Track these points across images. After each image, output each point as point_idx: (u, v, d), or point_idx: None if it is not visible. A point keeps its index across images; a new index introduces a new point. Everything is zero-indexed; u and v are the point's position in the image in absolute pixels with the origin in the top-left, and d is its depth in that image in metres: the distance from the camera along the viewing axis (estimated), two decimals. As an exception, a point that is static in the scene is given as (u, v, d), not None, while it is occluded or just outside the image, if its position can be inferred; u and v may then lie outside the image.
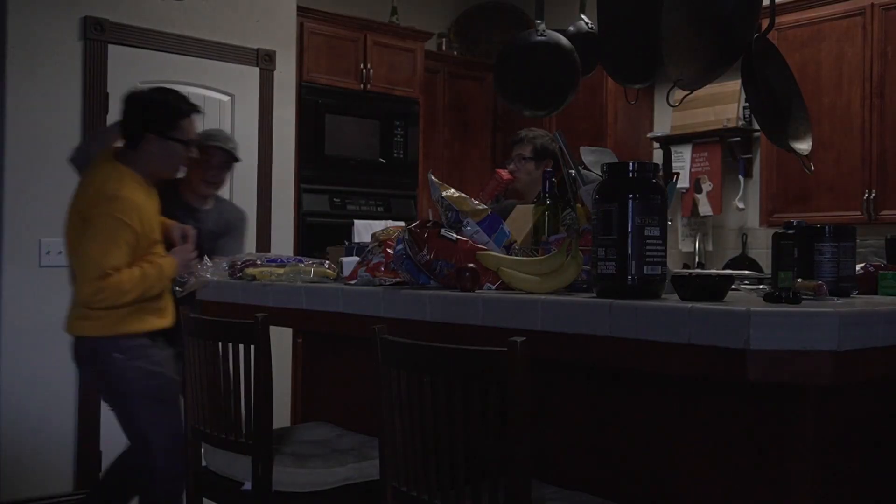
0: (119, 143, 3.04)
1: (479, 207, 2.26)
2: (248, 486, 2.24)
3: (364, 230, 4.40)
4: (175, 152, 3.01)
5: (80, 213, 2.93)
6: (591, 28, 3.37)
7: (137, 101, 3.02)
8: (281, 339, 4.68)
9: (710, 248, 5.47)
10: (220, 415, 2.30)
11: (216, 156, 3.43)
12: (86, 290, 2.86)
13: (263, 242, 4.85)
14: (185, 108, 3.03)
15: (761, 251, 5.15)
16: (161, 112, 2.99)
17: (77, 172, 3.19)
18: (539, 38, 3.21)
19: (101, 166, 2.98)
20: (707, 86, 2.90)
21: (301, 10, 5.17)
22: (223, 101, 4.72)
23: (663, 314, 1.53)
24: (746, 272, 3.07)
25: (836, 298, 1.83)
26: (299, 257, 2.76)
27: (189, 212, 3.43)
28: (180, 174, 3.28)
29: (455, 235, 2.10)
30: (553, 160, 3.65)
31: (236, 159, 3.51)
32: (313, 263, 2.61)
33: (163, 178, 3.12)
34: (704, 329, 1.46)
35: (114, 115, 4.30)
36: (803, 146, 2.76)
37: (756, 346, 1.40)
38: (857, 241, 2.10)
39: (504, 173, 3.68)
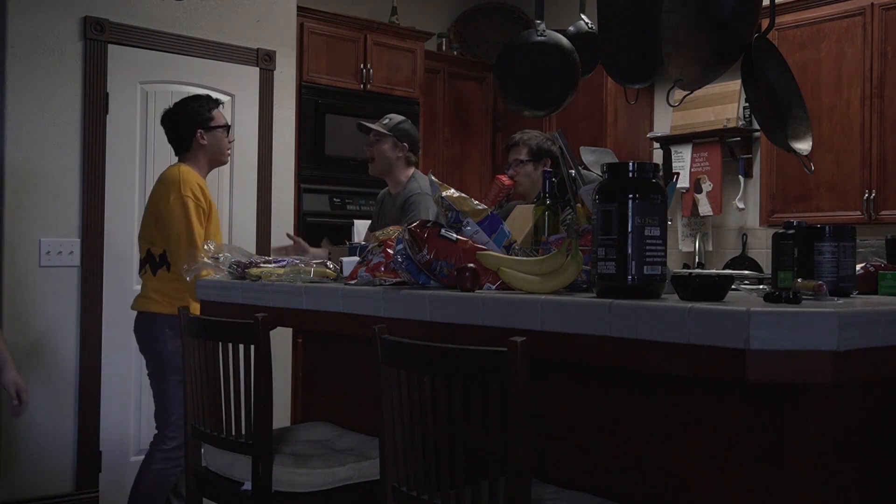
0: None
1: (479, 207, 2.26)
2: (247, 486, 2.24)
3: (364, 230, 4.40)
4: (220, 138, 3.53)
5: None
6: (591, 28, 3.37)
7: (174, 114, 3.51)
8: (281, 339, 4.69)
9: (710, 248, 5.46)
10: (220, 415, 2.31)
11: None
12: None
13: (263, 242, 4.85)
14: (208, 102, 3.57)
15: (761, 251, 5.15)
16: (194, 112, 3.48)
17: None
18: (539, 38, 3.21)
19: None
20: (707, 86, 2.89)
21: (301, 10, 5.17)
22: (223, 101, 4.72)
23: (663, 314, 1.53)
24: (746, 272, 3.07)
25: (836, 298, 1.83)
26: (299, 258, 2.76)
27: (390, 199, 3.94)
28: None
29: (455, 235, 2.09)
30: (552, 159, 3.64)
31: (363, 128, 4.01)
32: (313, 263, 2.61)
33: (221, 164, 3.63)
34: (704, 329, 1.46)
35: (114, 114, 4.32)
36: (803, 146, 2.76)
37: (756, 346, 1.40)
38: (857, 241, 2.10)
39: (505, 179, 3.67)
